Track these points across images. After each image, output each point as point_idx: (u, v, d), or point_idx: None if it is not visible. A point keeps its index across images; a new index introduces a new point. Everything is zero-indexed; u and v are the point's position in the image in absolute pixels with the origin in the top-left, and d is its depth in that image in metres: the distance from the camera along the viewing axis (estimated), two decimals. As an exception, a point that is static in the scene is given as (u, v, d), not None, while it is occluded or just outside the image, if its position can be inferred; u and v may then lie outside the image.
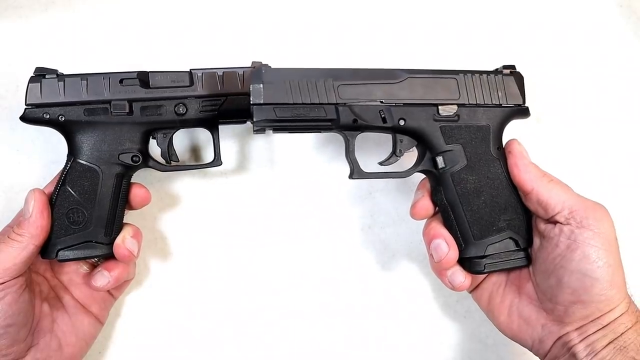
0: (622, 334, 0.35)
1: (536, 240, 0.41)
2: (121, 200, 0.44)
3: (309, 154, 0.53)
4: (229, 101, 0.45)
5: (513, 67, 0.46)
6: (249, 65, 0.46)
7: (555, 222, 0.39)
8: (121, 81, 0.44)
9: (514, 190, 0.43)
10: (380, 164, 0.47)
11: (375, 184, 0.53)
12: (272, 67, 0.43)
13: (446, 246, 0.41)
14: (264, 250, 0.52)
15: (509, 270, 0.43)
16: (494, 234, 0.42)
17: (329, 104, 0.42)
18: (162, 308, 0.51)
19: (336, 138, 0.51)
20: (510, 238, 0.42)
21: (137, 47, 0.53)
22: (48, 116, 0.43)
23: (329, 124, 0.43)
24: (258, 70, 0.42)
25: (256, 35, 0.54)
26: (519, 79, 0.45)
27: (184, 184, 0.52)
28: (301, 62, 0.52)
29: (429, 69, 0.44)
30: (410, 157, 0.46)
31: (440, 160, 0.43)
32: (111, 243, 0.44)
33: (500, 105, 0.44)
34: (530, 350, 0.40)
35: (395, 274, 0.53)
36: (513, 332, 0.40)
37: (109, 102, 0.43)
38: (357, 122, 0.42)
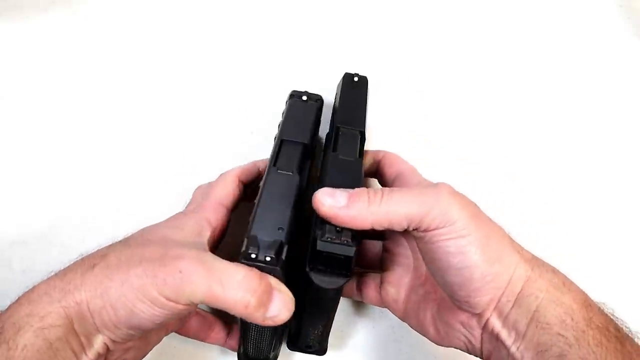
0: (537, 308, 0.32)
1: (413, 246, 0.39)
2: None
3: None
4: None
5: None
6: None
7: (406, 235, 0.38)
8: None
9: None
10: None
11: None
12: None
13: None
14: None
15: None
16: None
17: None
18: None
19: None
20: None
21: (137, 47, 0.53)
22: None
23: None
24: None
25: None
26: None
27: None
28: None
29: None
30: None
31: None
32: None
33: None
34: (472, 354, 0.37)
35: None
36: (444, 342, 0.37)
37: None
38: None
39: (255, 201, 0.34)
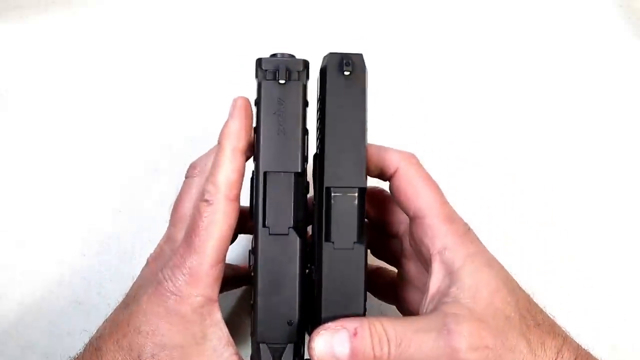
0: None
1: None
2: None
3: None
4: None
5: None
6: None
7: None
8: None
9: None
10: None
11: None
12: None
13: None
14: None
15: None
16: None
17: None
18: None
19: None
20: None
21: (136, 48, 0.53)
22: None
23: None
24: None
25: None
26: None
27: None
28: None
29: None
30: None
31: None
32: None
33: None
34: None
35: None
36: None
37: None
38: None
39: (252, 285, 0.29)
